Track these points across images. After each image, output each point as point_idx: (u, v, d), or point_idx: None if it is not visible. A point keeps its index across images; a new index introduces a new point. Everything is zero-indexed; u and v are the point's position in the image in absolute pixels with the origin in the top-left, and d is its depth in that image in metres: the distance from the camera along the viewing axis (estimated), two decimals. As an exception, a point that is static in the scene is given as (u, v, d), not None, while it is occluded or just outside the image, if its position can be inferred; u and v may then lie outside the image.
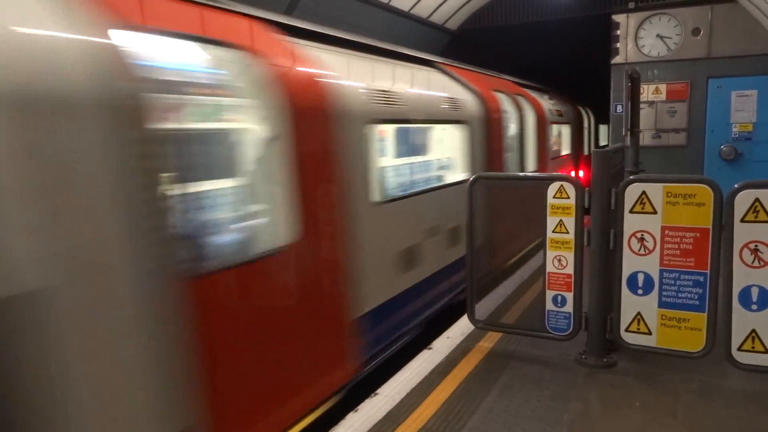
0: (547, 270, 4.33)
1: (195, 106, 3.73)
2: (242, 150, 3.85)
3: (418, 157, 7.06)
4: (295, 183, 3.69)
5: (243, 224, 3.83)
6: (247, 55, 3.59)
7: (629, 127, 6.96)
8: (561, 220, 4.22)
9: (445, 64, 7.77)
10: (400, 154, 6.74)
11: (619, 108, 10.01)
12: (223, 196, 3.92)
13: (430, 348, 4.75)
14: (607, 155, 4.27)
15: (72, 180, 2.33)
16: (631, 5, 10.05)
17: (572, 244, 4.21)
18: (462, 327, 5.13)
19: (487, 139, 7.57)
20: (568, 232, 4.21)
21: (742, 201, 3.60)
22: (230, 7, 3.77)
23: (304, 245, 3.76)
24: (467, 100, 7.22)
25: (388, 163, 6.23)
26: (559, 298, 4.31)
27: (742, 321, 3.70)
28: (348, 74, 4.94)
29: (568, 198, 4.17)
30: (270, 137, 3.65)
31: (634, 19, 9.93)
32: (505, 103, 8.67)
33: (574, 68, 15.82)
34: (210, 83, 3.79)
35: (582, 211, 4.18)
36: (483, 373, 4.24)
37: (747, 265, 3.64)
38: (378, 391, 4.01)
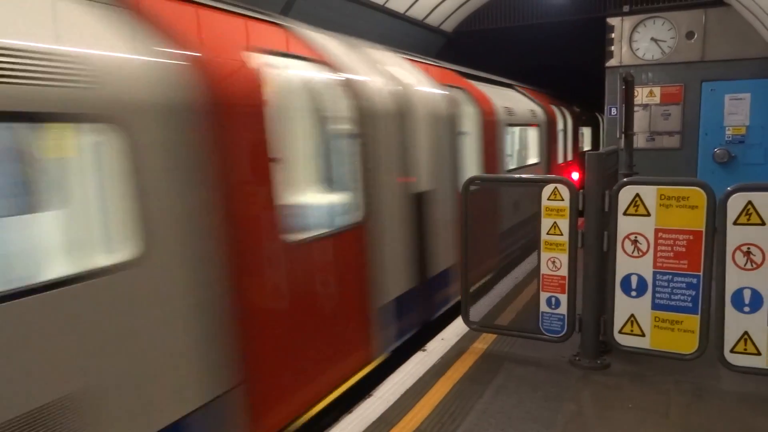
0: (541, 272, 4.34)
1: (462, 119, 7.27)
2: (469, 140, 7.48)
3: (516, 146, 10.52)
4: (482, 157, 7.62)
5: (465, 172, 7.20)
6: (463, 91, 7.51)
7: (623, 129, 6.99)
8: (555, 222, 4.23)
9: (520, 86, 11.53)
10: (510, 145, 9.94)
11: (614, 110, 10.05)
12: (464, 160, 7.18)
13: (425, 350, 4.75)
14: (601, 157, 4.29)
15: (442, 144, 6.27)
16: (626, 8, 10.09)
17: (566, 246, 4.23)
18: (456, 328, 5.13)
19: (548, 136, 11.57)
20: (562, 234, 4.22)
21: (735, 204, 3.63)
22: (447, 66, 7.93)
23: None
24: (538, 110, 11.16)
25: (508, 149, 9.52)
26: (553, 299, 4.33)
27: (734, 323, 3.72)
28: (493, 97, 8.50)
29: (563, 200, 4.18)
30: (475, 134, 7.56)
31: (628, 22, 9.98)
32: (557, 112, 12.67)
33: (579, 73, 15.91)
34: (464, 107, 7.35)
35: (576, 213, 4.19)
36: (477, 374, 4.25)
37: (739, 267, 3.67)
38: (372, 392, 4.01)
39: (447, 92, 6.69)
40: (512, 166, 9.59)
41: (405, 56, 6.58)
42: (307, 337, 3.96)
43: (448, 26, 13.45)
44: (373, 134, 4.83)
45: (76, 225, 2.86)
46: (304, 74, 4.63)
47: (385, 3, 10.80)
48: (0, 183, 2.70)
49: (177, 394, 2.97)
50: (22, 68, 2.32)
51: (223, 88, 3.32)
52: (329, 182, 4.94)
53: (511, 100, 9.71)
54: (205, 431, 3.13)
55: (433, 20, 12.76)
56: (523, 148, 10.80)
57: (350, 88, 4.64)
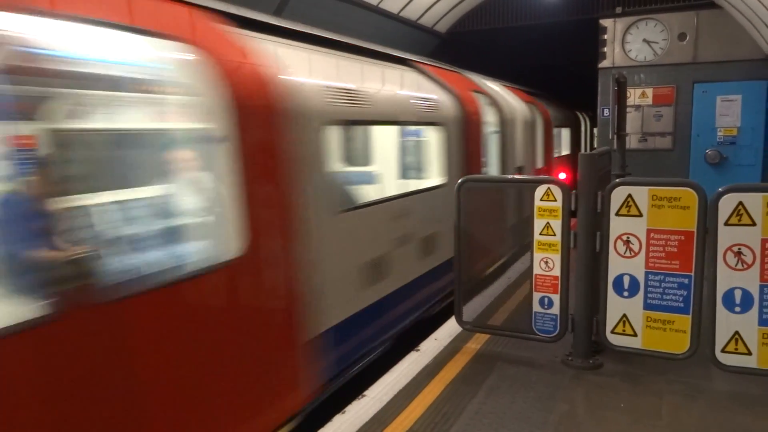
0: (534, 272, 4.35)
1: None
2: (538, 136, 11.12)
3: (559, 141, 14.10)
4: (544, 147, 11.51)
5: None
6: (533, 105, 11.23)
7: (616, 130, 7.03)
8: (548, 223, 4.24)
9: (554, 98, 15.24)
10: (557, 140, 13.57)
11: (606, 111, 10.10)
12: (536, 149, 10.88)
13: (418, 350, 4.75)
14: (593, 158, 4.31)
15: (527, 139, 10.20)
16: (618, 10, 10.14)
17: (559, 247, 4.24)
18: (449, 329, 5.14)
19: (575, 134, 16.71)
20: (554, 235, 4.23)
21: (726, 204, 3.65)
22: (522, 88, 11.80)
23: (550, 167, 11.94)
24: (570, 115, 16.09)
25: (555, 143, 13.36)
26: (546, 300, 4.34)
27: (725, 323, 3.74)
28: (548, 107, 12.32)
29: (555, 201, 4.19)
30: (540, 133, 11.38)
31: (621, 23, 10.03)
32: (580, 117, 17.90)
33: (576, 74, 16.00)
34: (535, 115, 11.35)
35: (569, 213, 4.20)
36: (470, 374, 4.25)
37: (730, 267, 3.69)
38: (365, 392, 4.01)
39: (527, 106, 10.30)
40: (557, 155, 13.41)
41: (501, 83, 10.06)
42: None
43: (442, 27, 13.45)
44: (504, 132, 8.47)
45: (430, 166, 6.64)
46: (482, 99, 7.84)
47: (379, 3, 10.80)
48: (411, 152, 7.18)
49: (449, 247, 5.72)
50: (431, 106, 6.32)
51: (466, 109, 6.98)
52: (487, 160, 8.00)
53: (555, 108, 13.62)
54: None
55: (427, 21, 12.76)
56: (562, 142, 14.90)
57: (497, 106, 8.33)
